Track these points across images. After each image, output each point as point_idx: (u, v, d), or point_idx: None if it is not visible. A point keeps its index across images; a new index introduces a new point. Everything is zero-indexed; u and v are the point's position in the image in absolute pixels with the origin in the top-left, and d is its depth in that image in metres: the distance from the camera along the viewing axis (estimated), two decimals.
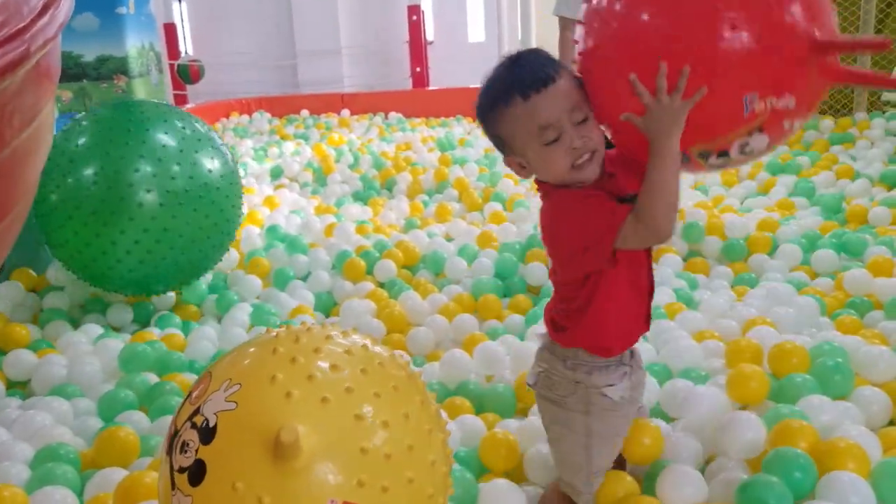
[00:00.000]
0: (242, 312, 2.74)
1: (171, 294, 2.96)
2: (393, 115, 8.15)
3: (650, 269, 1.47)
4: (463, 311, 2.70)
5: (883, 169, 4.26)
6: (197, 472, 1.07)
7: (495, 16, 8.23)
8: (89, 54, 4.75)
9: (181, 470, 1.10)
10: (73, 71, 4.76)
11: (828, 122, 5.52)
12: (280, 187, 4.94)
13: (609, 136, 1.39)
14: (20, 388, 2.35)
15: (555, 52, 2.88)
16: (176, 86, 10.19)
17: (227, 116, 8.22)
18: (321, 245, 3.50)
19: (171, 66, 9.44)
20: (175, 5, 10.43)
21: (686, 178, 4.37)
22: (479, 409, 2.00)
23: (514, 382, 2.10)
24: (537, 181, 1.43)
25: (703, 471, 1.66)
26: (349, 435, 1.06)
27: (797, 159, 4.62)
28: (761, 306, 2.45)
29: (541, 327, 1.66)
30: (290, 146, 6.34)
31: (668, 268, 2.93)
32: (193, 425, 1.13)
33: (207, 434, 1.10)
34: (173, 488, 1.11)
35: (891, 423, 1.83)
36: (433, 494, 1.14)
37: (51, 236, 2.66)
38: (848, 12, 6.22)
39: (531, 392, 1.79)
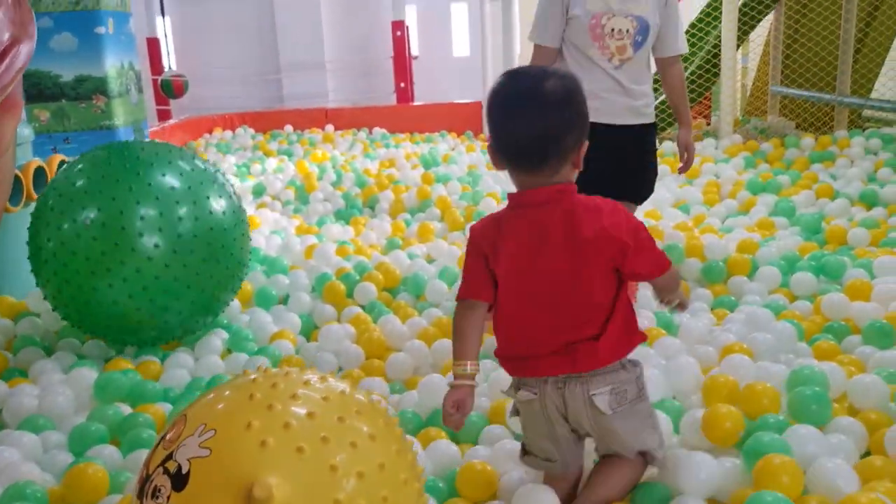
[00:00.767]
0: (218, 338, 2.71)
1: None
2: (377, 130, 8.16)
3: None
4: (442, 335, 2.69)
5: (862, 188, 4.31)
6: None
7: (479, 30, 8.27)
8: (67, 74, 4.71)
9: None
10: (50, 91, 4.72)
11: (808, 140, 5.57)
12: (262, 206, 4.92)
13: None
14: None
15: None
16: (159, 101, 10.15)
17: (210, 132, 8.19)
18: (301, 267, 3.48)
19: (155, 81, 9.41)
20: (159, 20, 10.40)
21: (667, 197, 4.40)
22: (452, 437, 1.99)
23: (489, 409, 2.10)
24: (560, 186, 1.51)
25: None
26: (323, 486, 1.05)
27: (777, 178, 4.66)
28: (740, 331, 2.46)
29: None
30: (272, 163, 6.33)
31: (647, 290, 2.94)
32: (166, 471, 1.11)
33: (180, 481, 1.08)
34: None
35: (867, 453, 1.83)
36: None
37: (46, 284, 2.51)
38: (827, 31, 6.30)
39: (502, 416, 1.94)
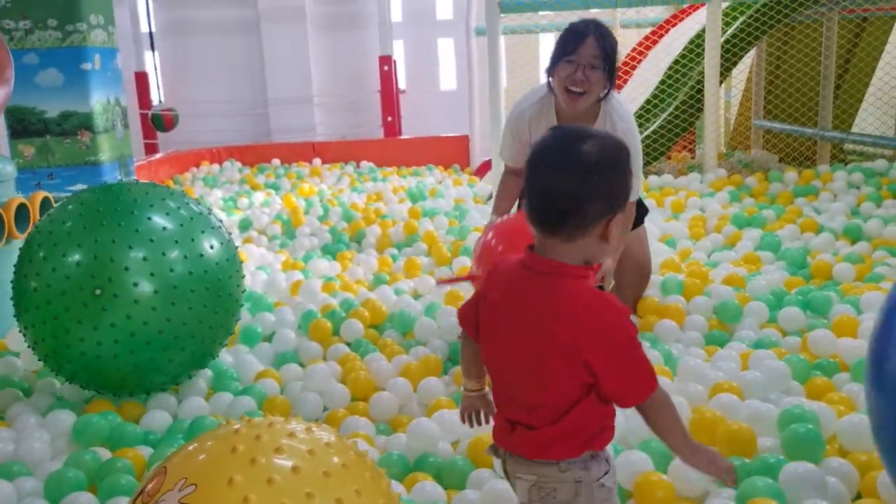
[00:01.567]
0: (202, 378, 2.67)
1: None
2: (365, 164, 8.17)
3: None
4: (429, 373, 2.66)
5: (846, 222, 4.34)
6: None
7: (466, 64, 8.34)
8: (53, 110, 4.69)
9: None
10: (35, 127, 4.70)
11: (791, 175, 5.63)
12: (248, 241, 4.89)
13: None
14: None
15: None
16: (147, 134, 10.15)
17: (198, 165, 8.18)
18: (287, 304, 3.45)
19: (144, 114, 9.42)
20: (148, 54, 10.44)
21: (653, 231, 4.41)
22: (438, 481, 1.97)
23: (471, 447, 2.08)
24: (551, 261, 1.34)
25: None
26: None
27: (762, 212, 4.69)
28: (730, 369, 2.45)
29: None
30: (259, 196, 6.31)
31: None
32: None
33: None
34: None
35: (858, 495, 1.81)
36: None
37: (29, 329, 2.42)
38: (808, 67, 6.40)
39: (489, 457, 1.75)
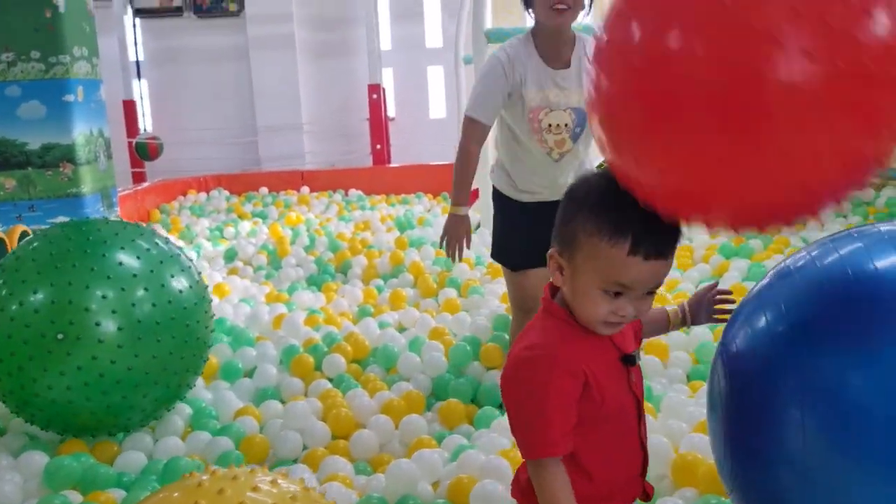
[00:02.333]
0: (180, 417, 2.62)
1: None
2: (353, 192, 8.16)
3: None
4: (412, 410, 2.62)
5: None
6: None
7: (455, 92, 8.36)
8: (34, 142, 4.64)
9: None
10: (17, 159, 4.65)
11: None
12: (233, 272, 4.85)
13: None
14: None
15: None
16: (135, 163, 10.13)
17: (185, 194, 8.15)
18: (269, 338, 3.40)
19: (130, 143, 9.41)
20: (135, 82, 10.46)
21: None
22: None
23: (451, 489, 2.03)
24: (545, 298, 1.32)
25: None
26: None
27: (750, 242, 4.68)
28: None
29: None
30: (246, 226, 6.28)
31: None
32: None
33: None
34: None
35: None
36: None
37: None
38: None
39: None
